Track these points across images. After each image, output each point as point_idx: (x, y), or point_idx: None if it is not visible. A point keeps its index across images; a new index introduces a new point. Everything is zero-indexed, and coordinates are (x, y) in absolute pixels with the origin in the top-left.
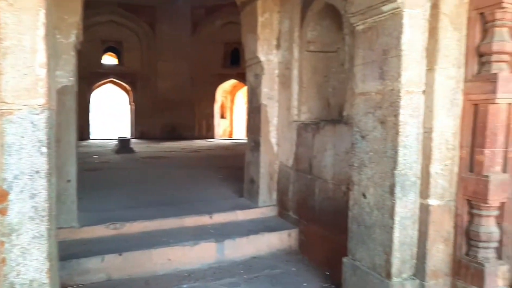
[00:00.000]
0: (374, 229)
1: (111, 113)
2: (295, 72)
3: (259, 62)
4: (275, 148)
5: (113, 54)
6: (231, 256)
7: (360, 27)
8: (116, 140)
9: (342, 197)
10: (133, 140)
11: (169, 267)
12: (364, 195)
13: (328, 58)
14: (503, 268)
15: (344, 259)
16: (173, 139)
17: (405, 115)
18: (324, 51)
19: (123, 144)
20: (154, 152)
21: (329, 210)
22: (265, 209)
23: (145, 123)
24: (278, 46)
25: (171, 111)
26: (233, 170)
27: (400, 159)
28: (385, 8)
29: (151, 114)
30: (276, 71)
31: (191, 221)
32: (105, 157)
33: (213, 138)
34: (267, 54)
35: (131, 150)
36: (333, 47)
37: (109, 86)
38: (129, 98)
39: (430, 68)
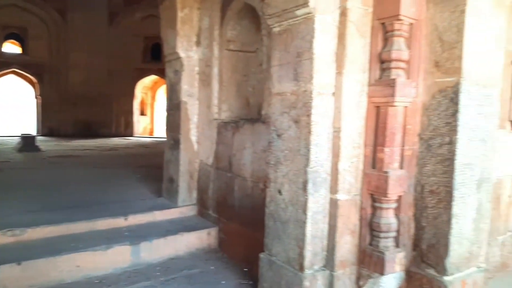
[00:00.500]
0: (289, 224)
1: (14, 107)
2: (215, 70)
3: (179, 58)
4: (196, 146)
5: (16, 42)
6: (148, 259)
7: (276, 29)
8: (19, 137)
9: (260, 194)
10: (39, 138)
11: (78, 274)
12: (280, 192)
13: (248, 58)
14: (400, 255)
15: (261, 255)
16: (88, 137)
17: (317, 115)
18: (244, 50)
19: (27, 141)
20: (64, 151)
21: (248, 208)
22: (184, 209)
23: (54, 119)
24: (198, 43)
25: (85, 107)
26: (152, 169)
27: (312, 157)
28: (299, 12)
29: (61, 109)
30: (197, 68)
31: (104, 224)
32: (6, 156)
33: (132, 135)
34: (187, 51)
35: (36, 149)
36: (253, 47)
37: (12, 77)
38: (35, 91)
39: (339, 72)
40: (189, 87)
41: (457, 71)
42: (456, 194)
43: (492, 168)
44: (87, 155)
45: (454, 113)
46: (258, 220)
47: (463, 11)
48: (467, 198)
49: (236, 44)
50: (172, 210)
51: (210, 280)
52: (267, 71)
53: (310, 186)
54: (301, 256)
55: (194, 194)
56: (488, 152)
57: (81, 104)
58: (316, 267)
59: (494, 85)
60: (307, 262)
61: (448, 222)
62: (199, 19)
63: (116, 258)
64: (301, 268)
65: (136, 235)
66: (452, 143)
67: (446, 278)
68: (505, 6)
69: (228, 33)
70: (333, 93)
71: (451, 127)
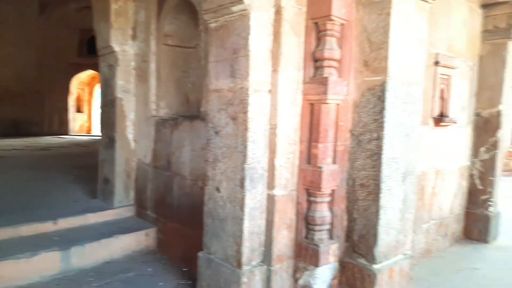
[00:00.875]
0: (227, 221)
1: None
2: (152, 66)
3: (113, 52)
4: (133, 144)
5: None
6: (80, 264)
7: (213, 25)
8: None
9: (199, 193)
10: None
11: None
12: (218, 189)
13: (187, 54)
14: (334, 247)
15: (200, 254)
16: (17, 136)
17: (253, 112)
18: (183, 46)
19: None
20: None
21: (187, 207)
22: (121, 210)
23: None
24: (134, 37)
25: (12, 104)
26: (87, 169)
27: (250, 153)
28: (235, 8)
29: None
30: (133, 63)
31: (29, 229)
32: None
33: (67, 134)
34: (122, 44)
35: None
36: (192, 43)
37: None
38: None
39: (275, 69)
40: (124, 82)
41: (384, 70)
42: (384, 186)
43: (416, 161)
44: (15, 156)
45: (381, 110)
46: (197, 219)
47: (388, 14)
48: (394, 190)
49: (174, 39)
50: (108, 212)
51: (147, 282)
52: (205, 67)
53: (247, 182)
54: (239, 252)
55: (132, 195)
56: (412, 147)
57: (8, 101)
58: (254, 262)
59: (417, 84)
60: (245, 258)
61: (376, 213)
62: (135, 12)
63: (43, 265)
64: (239, 264)
65: (67, 240)
66: (379, 138)
67: (375, 266)
68: (427, 11)
69: (166, 27)
70: (269, 90)
71: (379, 124)
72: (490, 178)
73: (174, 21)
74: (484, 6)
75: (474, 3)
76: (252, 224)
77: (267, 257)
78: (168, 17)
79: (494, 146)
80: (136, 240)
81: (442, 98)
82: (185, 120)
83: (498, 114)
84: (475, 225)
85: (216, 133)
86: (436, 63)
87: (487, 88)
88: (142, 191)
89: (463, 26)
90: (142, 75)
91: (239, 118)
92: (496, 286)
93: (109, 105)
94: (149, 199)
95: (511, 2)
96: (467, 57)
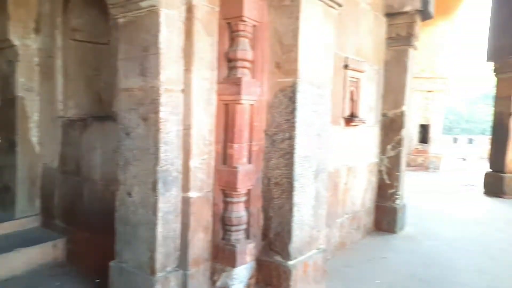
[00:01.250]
0: (139, 227)
1: None
2: (59, 62)
3: (13, 46)
4: (37, 148)
5: None
6: None
7: (121, 20)
8: None
9: (112, 198)
10: None
11: None
12: (129, 194)
13: (99, 50)
14: (251, 246)
15: (111, 263)
16: None
17: (165, 113)
18: (94, 42)
19: None
20: None
21: (99, 214)
22: (24, 221)
23: None
24: (37, 30)
25: None
26: None
27: (162, 155)
28: (143, 4)
29: None
30: (36, 59)
31: None
32: None
33: None
34: (23, 38)
35: None
36: (105, 39)
37: None
38: None
39: (187, 68)
40: (26, 80)
41: (294, 72)
42: (296, 184)
43: (327, 159)
44: None
45: (293, 111)
46: (110, 226)
47: (297, 18)
48: (306, 188)
49: (84, 34)
50: (8, 223)
51: None
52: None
53: (160, 186)
54: (152, 259)
55: (37, 203)
56: (323, 146)
57: None
58: (169, 268)
59: (326, 86)
60: (158, 264)
61: (290, 210)
62: (39, 3)
63: None
64: (153, 271)
65: None
66: (291, 138)
67: (290, 262)
68: (334, 17)
69: (73, 21)
70: (182, 90)
71: (291, 124)
72: (396, 173)
73: (82, 15)
74: (388, 15)
75: (379, 12)
76: (167, 228)
77: (183, 262)
78: (76, 10)
79: (399, 143)
80: (42, 252)
81: (352, 100)
82: (95, 121)
83: (402, 114)
84: (384, 217)
85: (127, 134)
86: (346, 66)
87: (391, 91)
88: (49, 199)
89: (369, 33)
90: (47, 72)
91: (150, 118)
92: (401, 271)
93: (8, 105)
94: (56, 207)
95: (410, 12)
96: (374, 61)
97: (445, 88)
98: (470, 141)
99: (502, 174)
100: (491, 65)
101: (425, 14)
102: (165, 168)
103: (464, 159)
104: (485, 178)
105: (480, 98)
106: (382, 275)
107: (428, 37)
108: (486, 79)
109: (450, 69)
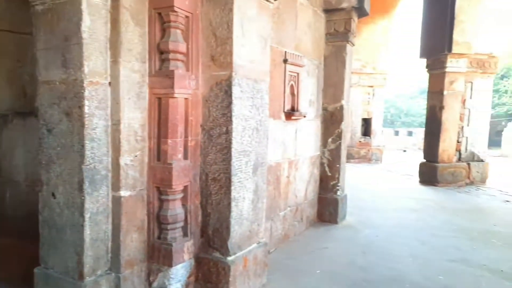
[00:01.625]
0: (65, 230)
1: None
2: None
3: None
4: None
5: None
6: None
7: (39, 8)
8: None
9: (38, 200)
10: None
11: None
12: (53, 195)
13: (22, 40)
14: (189, 244)
15: (36, 270)
16: None
17: (90, 107)
18: (16, 31)
19: None
20: None
21: (23, 217)
22: None
23: None
24: None
25: None
26: None
27: (88, 152)
28: None
29: None
30: None
31: None
32: None
33: None
34: None
35: None
36: (28, 29)
37: None
38: None
39: (115, 60)
40: None
41: (229, 65)
42: (234, 179)
43: (266, 153)
44: None
45: (229, 105)
46: (36, 230)
47: (231, 10)
48: (245, 182)
49: (3, 23)
50: None
51: None
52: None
53: (87, 185)
54: (80, 263)
55: None
56: (262, 140)
57: None
58: (99, 272)
59: (264, 80)
60: (87, 269)
61: (228, 206)
62: None
63: None
64: (81, 276)
65: None
66: (228, 132)
67: (229, 258)
68: (269, 10)
69: None
70: (110, 83)
71: (227, 118)
72: (337, 165)
73: (1, 2)
74: (326, 11)
75: (317, 7)
76: (96, 230)
77: (115, 264)
78: None
79: (339, 136)
80: None
81: (292, 94)
82: (16, 117)
83: (341, 108)
84: (326, 208)
85: (49, 131)
86: (285, 61)
87: (331, 85)
88: None
89: (308, 28)
90: None
91: (74, 113)
92: (340, 260)
93: None
94: None
95: (347, 9)
96: (314, 56)
97: (385, 84)
98: (410, 133)
99: (435, 164)
100: (424, 61)
101: (361, 11)
102: (92, 166)
103: (404, 151)
104: (420, 168)
105: (418, 93)
106: (323, 265)
107: (369, 35)
108: (423, 75)
109: (390, 66)
